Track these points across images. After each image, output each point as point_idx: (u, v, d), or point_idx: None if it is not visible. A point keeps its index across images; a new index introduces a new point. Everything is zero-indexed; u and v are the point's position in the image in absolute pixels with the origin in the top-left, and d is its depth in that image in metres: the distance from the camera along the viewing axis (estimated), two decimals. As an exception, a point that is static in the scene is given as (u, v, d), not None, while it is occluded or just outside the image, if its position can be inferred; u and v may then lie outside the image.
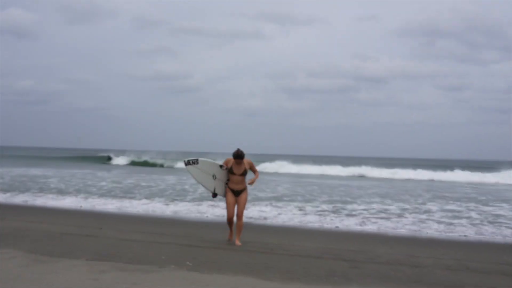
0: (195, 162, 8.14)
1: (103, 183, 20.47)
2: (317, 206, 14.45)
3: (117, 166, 43.10)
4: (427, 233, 10.32)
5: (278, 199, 16.24)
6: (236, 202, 8.05)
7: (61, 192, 16.79)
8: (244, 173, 8.04)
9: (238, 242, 7.91)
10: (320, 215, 12.57)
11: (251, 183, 8.11)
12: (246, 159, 8.07)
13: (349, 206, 14.62)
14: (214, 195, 8.16)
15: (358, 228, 10.70)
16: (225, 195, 8.14)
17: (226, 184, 8.12)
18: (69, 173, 27.97)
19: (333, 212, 13.27)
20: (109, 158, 51.17)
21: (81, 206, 13.02)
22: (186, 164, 8.12)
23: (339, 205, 15.02)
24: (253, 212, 12.60)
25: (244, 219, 8.37)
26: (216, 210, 12.51)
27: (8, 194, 15.58)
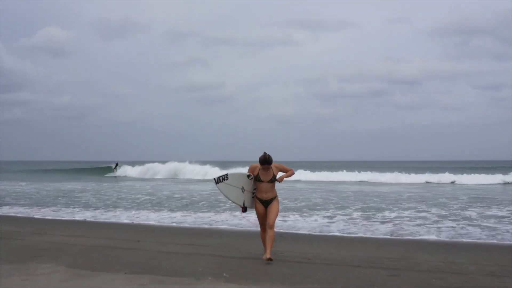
0: (225, 178, 7.45)
1: (139, 195, 20.76)
2: (352, 214, 14.29)
3: (153, 178, 43.62)
4: (465, 239, 10.02)
5: (311, 207, 16.13)
6: (267, 212, 7.25)
7: (99, 205, 17.10)
8: (272, 180, 7.25)
9: (268, 255, 7.07)
10: (356, 223, 12.42)
11: (280, 179, 7.35)
12: (275, 163, 7.29)
13: (384, 213, 14.40)
14: (244, 209, 7.43)
15: (396, 235, 10.49)
16: (254, 206, 7.46)
17: (253, 193, 7.42)
18: (107, 186, 28.49)
19: (369, 219, 13.09)
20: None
21: (132, 222, 13.20)
22: (216, 182, 7.42)
23: (374, 212, 14.82)
24: (288, 221, 12.53)
25: (279, 229, 8.28)
26: (253, 219, 12.51)
27: (48, 209, 15.97)
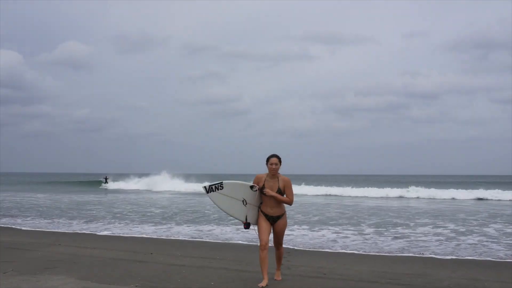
0: (219, 187, 6.38)
1: (153, 209, 20.72)
2: (370, 228, 14.03)
3: (166, 191, 43.68)
4: (488, 257, 9.71)
5: (324, 221, 15.90)
6: (273, 231, 6.43)
7: (112, 217, 17.08)
8: (279, 193, 6.31)
9: (278, 277, 6.71)
10: (372, 237, 12.17)
11: (268, 193, 6.29)
12: (284, 177, 6.42)
13: (401, 228, 14.12)
14: (247, 225, 6.48)
15: (414, 250, 10.21)
16: (257, 221, 6.47)
17: (259, 207, 6.47)
18: (124, 197, 28.54)
19: (386, 234, 12.83)
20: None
21: (143, 236, 13.09)
22: (207, 191, 6.31)
23: (391, 227, 14.55)
24: (301, 235, 12.32)
25: (288, 245, 8.00)
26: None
27: (62, 219, 15.98)
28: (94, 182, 59.74)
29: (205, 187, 6.37)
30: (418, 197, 33.06)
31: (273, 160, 6.31)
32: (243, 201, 6.44)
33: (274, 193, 6.25)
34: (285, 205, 6.52)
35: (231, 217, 6.56)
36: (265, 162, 6.37)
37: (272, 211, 6.37)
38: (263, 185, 6.35)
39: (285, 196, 6.37)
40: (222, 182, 6.42)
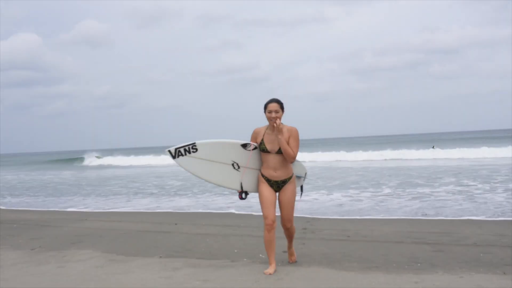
0: (191, 149, 5.07)
1: (174, 181, 20.88)
2: (393, 190, 13.94)
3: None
4: (518, 209, 9.53)
5: (346, 186, 15.84)
6: (279, 201, 5.13)
7: (138, 191, 17.30)
8: (280, 152, 5.01)
9: (293, 258, 5.59)
10: (396, 198, 12.08)
11: (276, 125, 4.94)
12: (289, 126, 5.09)
13: (425, 189, 14.01)
14: (243, 194, 5.25)
15: (440, 209, 10.09)
16: (257, 189, 5.20)
17: (259, 171, 5.23)
18: (150, 170, 28.86)
19: (410, 195, 12.72)
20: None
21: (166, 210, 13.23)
22: (174, 156, 5.04)
23: (415, 188, 14.44)
24: (323, 197, 12.29)
25: (312, 210, 7.70)
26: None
27: (90, 198, 16.23)
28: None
29: (169, 151, 5.05)
30: (446, 158, 31.89)
31: (272, 107, 4.99)
32: (233, 164, 5.19)
33: (280, 130, 4.94)
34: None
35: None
36: (263, 110, 5.09)
37: (277, 174, 5.06)
38: (262, 140, 5.10)
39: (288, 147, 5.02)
40: (194, 143, 5.09)
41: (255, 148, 5.20)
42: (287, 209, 5.16)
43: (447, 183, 14.74)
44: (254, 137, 5.23)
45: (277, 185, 5.12)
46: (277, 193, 5.17)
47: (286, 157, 4.96)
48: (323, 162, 31.60)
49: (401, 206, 10.55)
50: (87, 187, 19.54)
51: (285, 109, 5.09)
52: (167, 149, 5.08)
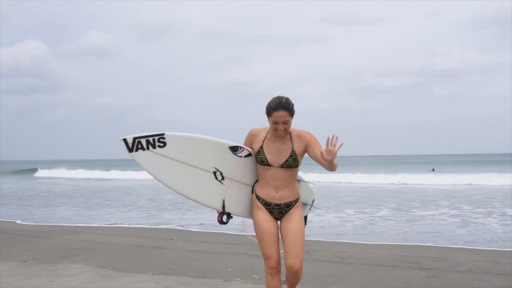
0: (158, 142, 3.70)
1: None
2: (390, 212, 13.91)
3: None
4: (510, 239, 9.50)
5: (342, 207, 15.81)
6: (281, 232, 3.79)
7: (132, 204, 17.23)
8: (291, 164, 3.71)
9: None
10: (392, 220, 12.04)
11: (329, 153, 3.40)
12: (300, 131, 3.82)
13: (422, 213, 13.98)
14: (224, 216, 3.89)
15: (435, 234, 10.05)
16: (252, 216, 3.91)
17: (253, 189, 3.95)
18: (147, 184, 28.79)
19: (406, 218, 12.69)
20: None
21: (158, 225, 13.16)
22: (130, 149, 3.63)
23: (412, 211, 14.41)
24: (318, 218, 12.24)
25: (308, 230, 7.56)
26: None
27: (84, 209, 16.17)
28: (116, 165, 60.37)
29: (125, 139, 3.64)
30: (448, 184, 31.49)
31: (280, 116, 3.60)
32: (215, 173, 3.84)
33: (333, 152, 3.40)
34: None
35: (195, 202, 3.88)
36: (265, 114, 3.71)
37: (279, 195, 3.75)
38: (261, 147, 3.77)
39: (298, 168, 3.80)
40: (163, 134, 3.72)
41: (249, 155, 3.87)
42: (294, 244, 3.68)
43: (443, 207, 14.71)
44: (249, 140, 3.88)
45: (279, 211, 3.79)
46: (278, 222, 3.86)
47: (331, 169, 3.57)
48: (321, 182, 31.03)
49: (397, 230, 10.51)
50: (79, 198, 19.48)
51: (295, 113, 3.69)
52: (121, 138, 3.65)
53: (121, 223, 11.99)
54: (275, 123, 3.64)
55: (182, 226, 11.36)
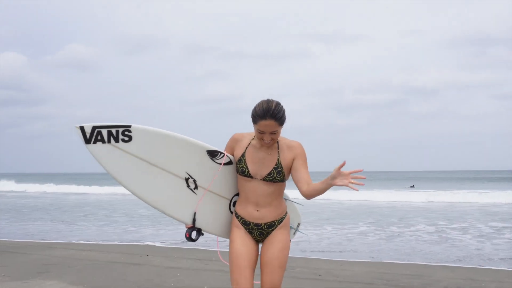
0: (120, 135, 3.16)
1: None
2: (368, 228, 13.98)
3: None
4: (486, 256, 9.62)
5: (319, 223, 15.85)
6: (261, 257, 3.31)
7: (108, 219, 17.01)
8: (276, 178, 3.23)
9: None
10: (369, 237, 12.10)
11: (338, 180, 2.98)
12: (288, 140, 3.35)
13: (398, 228, 14.07)
14: (194, 233, 3.40)
15: (412, 250, 10.13)
16: (227, 235, 3.50)
17: (230, 203, 3.49)
18: (125, 198, 28.52)
19: (384, 235, 12.76)
20: None
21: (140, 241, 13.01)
22: (87, 140, 3.12)
23: (389, 227, 14.50)
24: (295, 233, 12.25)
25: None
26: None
27: (62, 223, 15.91)
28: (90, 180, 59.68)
29: (81, 127, 3.12)
30: (427, 201, 31.87)
31: (267, 126, 3.12)
32: (187, 179, 3.30)
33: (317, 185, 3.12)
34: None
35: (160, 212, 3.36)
36: (251, 119, 3.21)
37: (260, 214, 3.26)
38: (243, 155, 3.28)
39: (284, 182, 3.34)
40: (129, 126, 3.16)
41: (229, 162, 3.38)
42: (272, 271, 3.21)
43: (421, 223, 14.84)
44: (231, 146, 3.40)
45: (259, 232, 3.30)
46: (260, 244, 3.37)
47: (311, 197, 3.20)
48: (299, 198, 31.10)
49: (374, 246, 10.56)
50: (54, 212, 19.16)
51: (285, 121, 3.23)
52: (77, 125, 3.12)
53: (96, 239, 11.81)
54: (261, 132, 3.18)
55: (159, 242, 11.24)
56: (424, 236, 11.95)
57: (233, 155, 3.40)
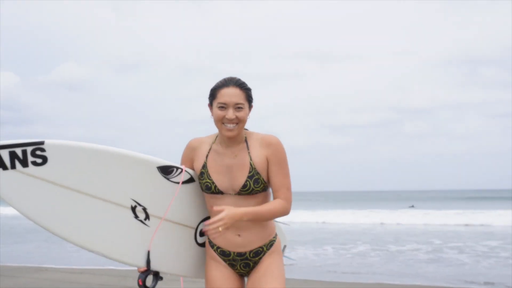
0: (29, 157, 2.17)
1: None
2: (365, 249, 13.78)
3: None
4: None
5: (317, 243, 15.65)
6: None
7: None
8: (254, 188, 2.45)
9: None
10: (370, 258, 11.90)
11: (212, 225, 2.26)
12: (263, 135, 2.57)
13: (396, 247, 13.91)
14: (149, 278, 2.51)
15: (411, 273, 9.93)
16: (199, 274, 2.75)
17: (197, 236, 2.70)
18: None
19: (381, 255, 12.58)
20: None
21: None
22: None
23: (387, 248, 14.33)
24: (286, 255, 12.01)
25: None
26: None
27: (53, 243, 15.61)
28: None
29: None
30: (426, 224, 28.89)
31: (231, 94, 2.44)
32: (134, 208, 2.46)
33: (245, 209, 2.38)
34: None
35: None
36: (208, 102, 2.55)
37: (242, 239, 2.53)
38: (204, 166, 2.53)
39: (268, 190, 2.58)
40: (43, 142, 2.20)
41: (190, 180, 2.59)
42: None
43: (419, 244, 14.63)
44: (189, 157, 2.61)
45: (244, 263, 2.56)
46: (246, 278, 2.65)
47: (273, 217, 2.50)
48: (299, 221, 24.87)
49: (370, 269, 10.35)
50: (44, 234, 18.78)
51: (253, 104, 2.55)
52: None
53: (87, 262, 11.53)
54: (221, 107, 2.42)
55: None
56: (421, 256, 11.73)
57: (193, 169, 2.60)
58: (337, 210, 35.58)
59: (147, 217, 2.50)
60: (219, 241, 2.54)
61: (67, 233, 2.30)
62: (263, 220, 2.49)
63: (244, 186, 2.46)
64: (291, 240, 3.41)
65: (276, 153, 2.52)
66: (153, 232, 2.52)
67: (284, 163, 2.53)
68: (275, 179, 2.49)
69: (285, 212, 2.49)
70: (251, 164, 2.47)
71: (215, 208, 2.34)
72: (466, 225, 23.10)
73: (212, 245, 2.59)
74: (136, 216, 2.48)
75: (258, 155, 2.49)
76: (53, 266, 10.56)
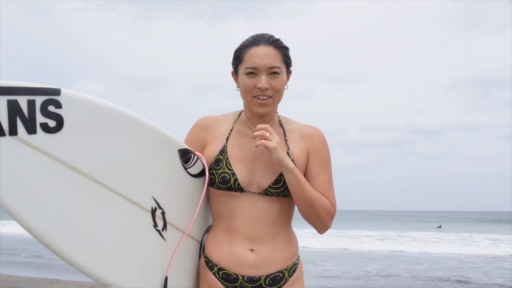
0: (37, 110, 1.27)
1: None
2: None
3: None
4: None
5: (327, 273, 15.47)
6: None
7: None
8: (286, 188, 1.72)
9: None
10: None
11: (261, 143, 1.63)
12: (302, 125, 1.91)
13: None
14: None
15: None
16: None
17: (201, 247, 1.84)
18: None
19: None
20: None
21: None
22: None
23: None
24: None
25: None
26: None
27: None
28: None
29: None
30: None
31: (264, 55, 1.75)
32: (153, 210, 1.59)
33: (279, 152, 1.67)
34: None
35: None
36: (232, 68, 1.90)
37: (257, 258, 1.73)
38: (223, 151, 1.80)
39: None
40: (59, 91, 1.35)
41: (201, 173, 1.80)
42: None
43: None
44: (197, 138, 1.90)
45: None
46: None
47: (313, 218, 1.79)
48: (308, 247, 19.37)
49: None
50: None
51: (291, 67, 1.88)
52: None
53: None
54: (250, 73, 1.77)
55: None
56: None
57: (200, 154, 1.83)
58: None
59: (165, 226, 1.65)
60: (223, 260, 1.75)
61: (74, 255, 1.54)
62: (301, 203, 1.75)
63: (277, 182, 1.75)
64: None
65: (322, 148, 1.87)
66: (173, 251, 1.67)
67: (329, 163, 1.87)
68: (317, 181, 1.80)
69: (327, 219, 1.81)
70: (288, 155, 1.77)
71: (258, 126, 1.72)
72: None
73: (210, 263, 1.79)
74: (156, 225, 1.61)
75: (298, 147, 1.83)
76: (64, 278, 10.59)
